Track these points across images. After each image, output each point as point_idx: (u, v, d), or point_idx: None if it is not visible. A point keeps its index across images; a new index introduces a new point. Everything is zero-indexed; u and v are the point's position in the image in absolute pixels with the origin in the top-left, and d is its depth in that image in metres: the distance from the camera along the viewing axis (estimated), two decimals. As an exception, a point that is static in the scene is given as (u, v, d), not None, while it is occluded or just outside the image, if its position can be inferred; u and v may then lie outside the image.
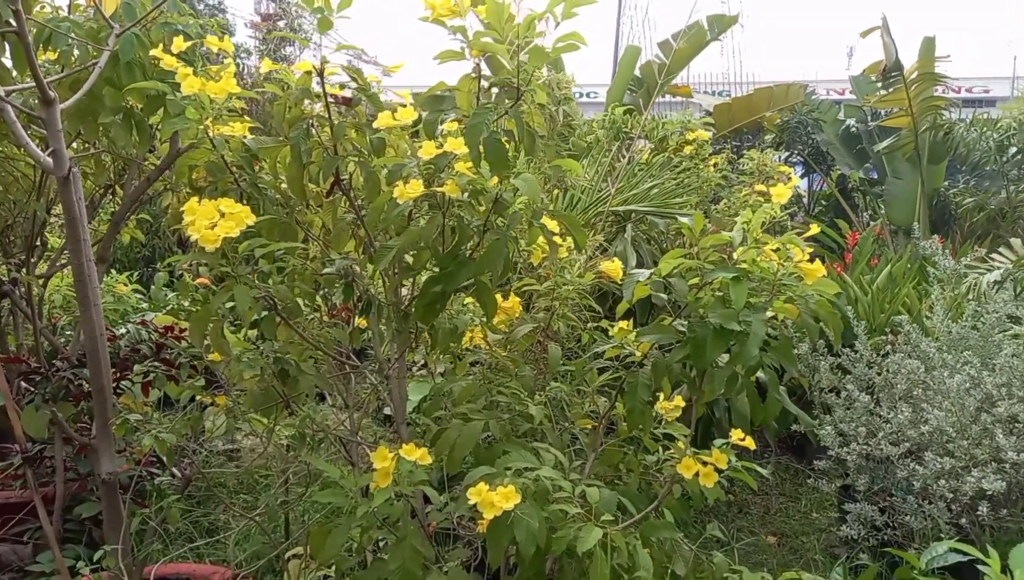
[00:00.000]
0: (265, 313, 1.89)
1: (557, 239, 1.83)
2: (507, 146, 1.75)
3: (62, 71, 2.86)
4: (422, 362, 2.72)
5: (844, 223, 6.16)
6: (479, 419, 2.00)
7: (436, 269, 1.86)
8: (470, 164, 1.65)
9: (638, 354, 2.05)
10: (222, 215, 1.63)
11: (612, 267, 2.37)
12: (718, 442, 2.38)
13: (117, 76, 2.70)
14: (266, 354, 1.92)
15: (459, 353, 2.41)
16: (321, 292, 2.55)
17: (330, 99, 1.95)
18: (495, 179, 1.70)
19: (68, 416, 2.97)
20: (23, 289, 3.68)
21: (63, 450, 2.75)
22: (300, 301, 2.13)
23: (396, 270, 2.00)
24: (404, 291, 2.17)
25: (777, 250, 1.81)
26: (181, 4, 3.06)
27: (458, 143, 1.64)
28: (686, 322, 1.81)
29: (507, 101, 1.84)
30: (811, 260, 1.87)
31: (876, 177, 7.07)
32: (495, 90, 1.91)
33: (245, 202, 1.93)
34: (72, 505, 3.16)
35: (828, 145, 6.92)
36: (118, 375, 3.37)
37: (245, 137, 1.90)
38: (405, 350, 2.04)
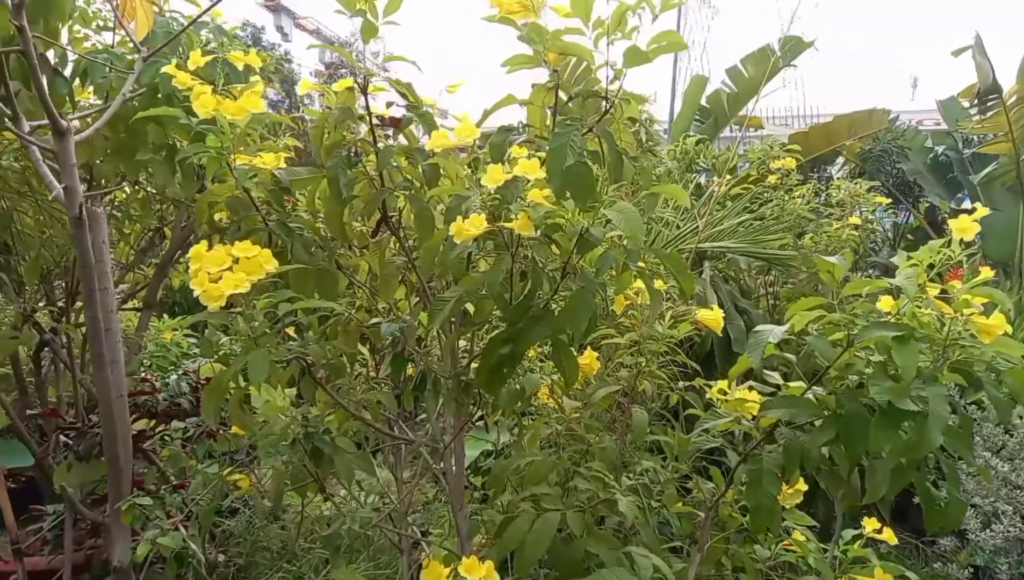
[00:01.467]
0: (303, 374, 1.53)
1: (659, 284, 1.41)
2: (593, 171, 1.37)
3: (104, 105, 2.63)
4: (479, 415, 2.33)
5: (940, 258, 5.53)
6: (554, 509, 1.59)
7: (502, 324, 1.47)
8: (546, 192, 1.26)
9: (748, 424, 1.62)
10: (236, 262, 1.28)
11: (712, 317, 1.94)
12: (848, 532, 1.91)
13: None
14: (297, 427, 1.55)
15: (523, 410, 2.02)
16: (367, 347, 2.20)
17: (376, 121, 1.60)
18: (576, 212, 1.31)
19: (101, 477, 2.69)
20: (64, 338, 3.45)
21: (72, 530, 2.43)
22: (343, 359, 1.78)
23: (454, 325, 1.62)
24: (462, 343, 1.79)
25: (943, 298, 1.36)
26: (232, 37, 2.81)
27: (532, 165, 1.26)
28: (829, 394, 1.37)
29: (586, 116, 1.46)
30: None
31: (970, 209, 6.43)
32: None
33: (275, 246, 1.59)
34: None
35: (915, 174, 6.33)
36: (152, 431, 3.07)
37: (275, 169, 1.57)
38: (463, 427, 1.64)
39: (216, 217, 1.61)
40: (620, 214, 1.20)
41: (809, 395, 1.44)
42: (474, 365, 1.73)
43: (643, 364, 2.01)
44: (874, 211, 4.22)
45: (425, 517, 2.47)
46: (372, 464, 1.61)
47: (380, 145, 1.60)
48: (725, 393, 2.03)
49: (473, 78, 1.85)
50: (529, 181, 1.34)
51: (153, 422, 3.16)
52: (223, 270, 1.26)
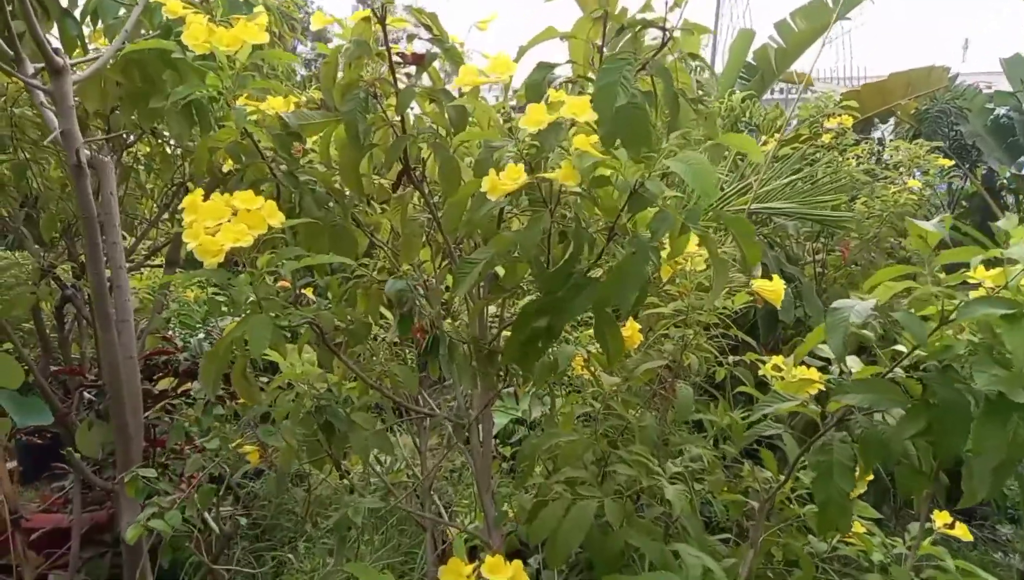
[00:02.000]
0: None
1: (720, 252, 1.20)
2: (648, 114, 1.16)
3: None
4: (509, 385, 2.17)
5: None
6: (591, 496, 1.42)
7: (536, 291, 1.29)
8: (593, 139, 1.07)
9: (814, 409, 1.42)
10: (235, 215, 1.11)
11: (771, 288, 1.73)
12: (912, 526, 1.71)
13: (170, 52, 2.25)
14: (309, 400, 1.39)
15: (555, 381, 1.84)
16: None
17: (396, 59, 1.41)
18: (627, 163, 1.11)
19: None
20: (86, 294, 3.35)
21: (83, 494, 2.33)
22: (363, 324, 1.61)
23: (482, 291, 1.44)
24: (491, 309, 1.62)
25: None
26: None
27: (581, 105, 1.06)
28: (918, 378, 1.17)
29: (639, 52, 1.25)
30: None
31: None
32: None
33: (284, 201, 1.42)
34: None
35: (975, 137, 5.93)
36: (175, 390, 2.98)
37: (283, 113, 1.39)
38: (490, 401, 1.47)
39: (216, 163, 1.44)
40: (687, 166, 1.00)
41: (893, 379, 1.24)
42: (505, 333, 1.56)
43: (690, 336, 1.82)
44: (934, 174, 3.91)
45: (452, 485, 2.33)
46: (389, 442, 1.45)
47: (401, 85, 1.40)
48: (780, 369, 1.84)
49: (507, 14, 1.63)
50: (572, 126, 1.14)
51: (176, 381, 3.07)
52: (221, 223, 1.10)
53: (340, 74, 1.42)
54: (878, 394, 1.21)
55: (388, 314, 2.17)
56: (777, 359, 1.85)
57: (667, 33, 1.20)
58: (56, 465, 3.15)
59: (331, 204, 1.54)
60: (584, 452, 1.58)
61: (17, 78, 1.81)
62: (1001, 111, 6.33)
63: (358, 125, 1.31)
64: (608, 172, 1.07)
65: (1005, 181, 6.27)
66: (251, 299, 1.17)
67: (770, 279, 1.82)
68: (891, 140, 4.57)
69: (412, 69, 1.47)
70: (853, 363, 2.18)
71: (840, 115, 3.66)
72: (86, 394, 3.16)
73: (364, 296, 1.73)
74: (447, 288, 1.88)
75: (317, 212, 1.37)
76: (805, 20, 5.95)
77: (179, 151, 3.50)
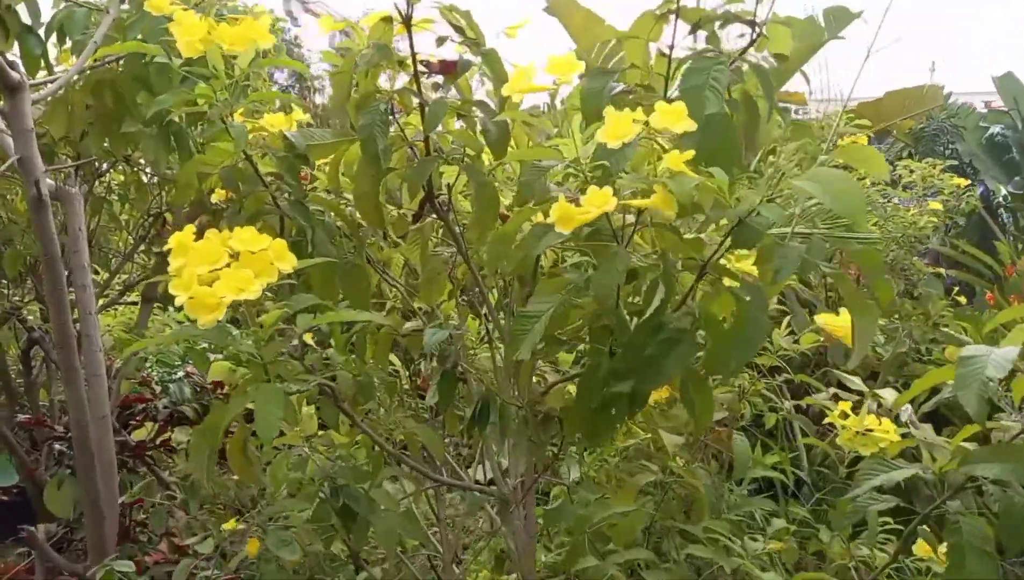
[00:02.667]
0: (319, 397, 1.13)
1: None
2: (735, 125, 0.95)
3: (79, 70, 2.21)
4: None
5: (1004, 246, 5.07)
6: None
7: (596, 345, 1.06)
8: (687, 156, 0.84)
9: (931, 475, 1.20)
10: (234, 258, 0.87)
11: (840, 324, 1.51)
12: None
13: (146, 73, 2.02)
14: (320, 480, 1.14)
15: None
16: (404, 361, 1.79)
17: (421, 68, 1.19)
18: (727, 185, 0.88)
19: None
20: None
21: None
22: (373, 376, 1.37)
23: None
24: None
25: None
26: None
27: (675, 113, 0.83)
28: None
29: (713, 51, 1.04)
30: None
31: (1031, 191, 5.96)
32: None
33: (286, 235, 1.18)
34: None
35: (971, 155, 5.85)
36: (153, 440, 2.70)
37: (288, 132, 1.15)
38: (539, 476, 1.23)
39: (207, 192, 1.19)
40: (822, 185, 0.78)
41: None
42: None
43: (747, 382, 1.60)
44: (949, 194, 3.76)
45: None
46: (420, 526, 1.20)
47: (423, 97, 1.18)
48: (847, 416, 1.63)
49: (539, 20, 1.41)
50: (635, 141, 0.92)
51: (155, 428, 2.79)
52: (218, 269, 0.85)
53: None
54: (1017, 464, 0.99)
55: (396, 362, 1.93)
56: (844, 405, 1.64)
57: (757, 29, 0.99)
58: (22, 527, 2.83)
59: (340, 238, 1.30)
60: (640, 527, 1.34)
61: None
62: (996, 129, 6.26)
63: (377, 144, 1.08)
64: (711, 195, 0.85)
65: (1002, 200, 6.20)
66: (252, 358, 0.92)
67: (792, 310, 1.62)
68: (889, 160, 4.43)
69: (432, 80, 1.24)
70: (888, 395, 1.97)
71: (852, 134, 3.50)
72: (56, 446, 2.86)
73: (372, 342, 1.49)
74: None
75: (331, 249, 1.13)
76: (797, 39, 5.84)
77: (155, 179, 3.24)
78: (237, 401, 0.91)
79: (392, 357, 1.85)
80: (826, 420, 1.70)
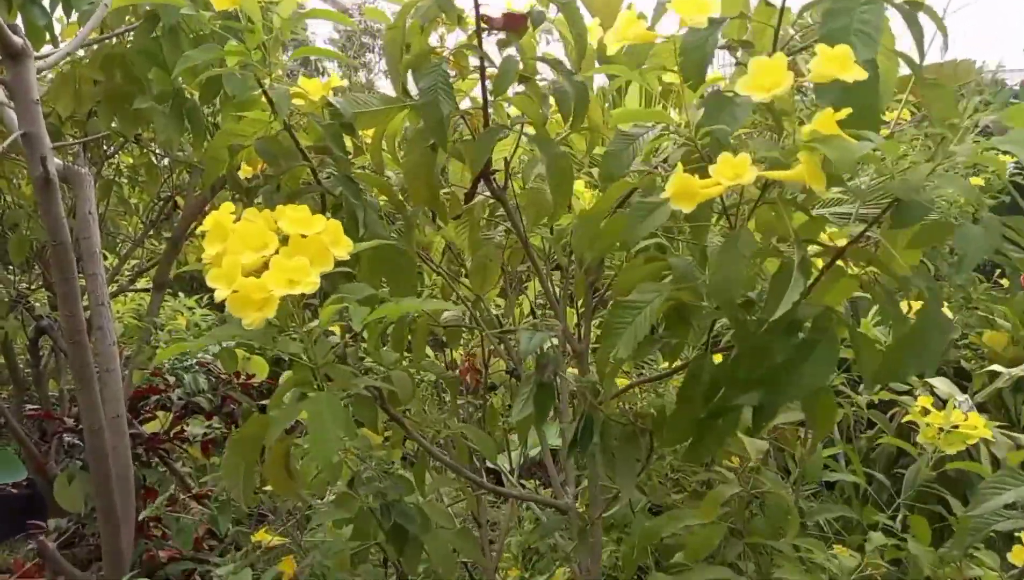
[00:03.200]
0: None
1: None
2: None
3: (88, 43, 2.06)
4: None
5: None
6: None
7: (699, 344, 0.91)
8: (840, 115, 0.69)
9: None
10: (283, 243, 0.71)
11: (998, 341, 1.36)
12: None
13: (158, 47, 1.86)
14: (367, 494, 0.99)
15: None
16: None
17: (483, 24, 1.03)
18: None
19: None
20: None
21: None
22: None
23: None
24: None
25: None
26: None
27: (842, 59, 0.67)
28: None
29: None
30: None
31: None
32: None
33: (329, 214, 1.02)
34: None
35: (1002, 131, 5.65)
36: (167, 433, 2.58)
37: (332, 98, 1.00)
38: (626, 493, 1.07)
39: (239, 167, 1.04)
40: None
41: None
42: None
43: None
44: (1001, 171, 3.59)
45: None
46: (477, 544, 1.06)
47: (486, 56, 1.02)
48: (927, 412, 1.48)
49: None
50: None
51: (169, 420, 2.66)
52: (266, 255, 0.70)
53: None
54: None
55: (431, 354, 1.78)
56: (924, 401, 1.50)
57: (893, -30, 0.83)
58: (32, 523, 2.71)
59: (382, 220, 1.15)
60: (719, 540, 1.19)
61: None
62: (1025, 108, 6.07)
63: (441, 108, 0.92)
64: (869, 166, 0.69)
65: (1029, 181, 6.01)
66: (306, 362, 0.77)
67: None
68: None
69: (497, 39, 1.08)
70: (943, 386, 1.82)
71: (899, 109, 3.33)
72: (66, 439, 2.74)
73: (413, 332, 1.34)
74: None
75: (383, 232, 0.98)
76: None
77: (165, 161, 3.09)
78: (286, 412, 0.76)
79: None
80: (905, 417, 1.56)
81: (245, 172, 1.14)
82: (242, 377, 2.78)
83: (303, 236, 0.71)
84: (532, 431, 1.05)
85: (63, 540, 2.64)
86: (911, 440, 1.54)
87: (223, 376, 2.98)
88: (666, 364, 1.19)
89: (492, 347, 1.63)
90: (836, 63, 0.66)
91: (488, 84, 1.06)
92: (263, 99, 0.99)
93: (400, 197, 1.10)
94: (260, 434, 0.85)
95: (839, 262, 0.81)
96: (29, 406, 3.04)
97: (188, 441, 2.58)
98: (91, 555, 2.47)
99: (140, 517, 1.37)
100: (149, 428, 2.59)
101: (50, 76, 2.16)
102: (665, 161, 1.01)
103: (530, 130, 1.09)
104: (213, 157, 1.02)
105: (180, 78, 2.09)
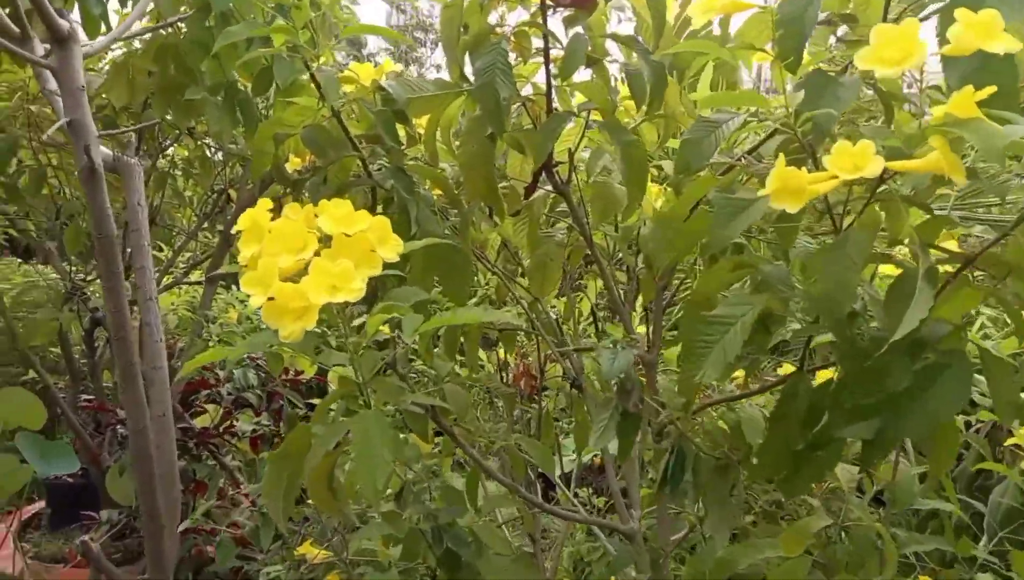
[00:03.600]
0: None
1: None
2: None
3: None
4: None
5: None
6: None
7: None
8: (983, 94, 0.57)
9: None
10: (324, 242, 0.63)
11: None
12: None
13: (210, 37, 1.82)
14: (414, 516, 0.91)
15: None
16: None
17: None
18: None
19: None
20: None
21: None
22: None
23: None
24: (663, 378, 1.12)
25: None
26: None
27: (987, 23, 0.56)
28: None
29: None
30: None
31: None
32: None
33: (378, 210, 0.95)
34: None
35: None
36: (217, 428, 2.57)
37: (384, 82, 0.92)
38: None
39: (284, 158, 0.97)
40: None
41: None
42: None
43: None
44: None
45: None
46: (539, 574, 0.97)
47: (551, 36, 0.92)
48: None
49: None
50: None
51: (219, 414, 2.66)
52: (305, 257, 0.62)
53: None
54: None
55: (483, 356, 1.70)
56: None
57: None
58: (85, 514, 2.73)
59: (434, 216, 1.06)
60: (803, 575, 1.07)
61: (16, 56, 1.37)
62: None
63: (499, 91, 0.83)
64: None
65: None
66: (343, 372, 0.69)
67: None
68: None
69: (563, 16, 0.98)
70: None
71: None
72: (120, 430, 2.75)
73: (467, 337, 1.26)
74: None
75: (438, 229, 0.90)
76: None
77: (219, 155, 3.08)
78: (330, 431, 0.68)
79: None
80: (1009, 440, 1.41)
81: (294, 164, 1.07)
82: (290, 373, 2.76)
83: (346, 235, 0.63)
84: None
85: (115, 532, 2.66)
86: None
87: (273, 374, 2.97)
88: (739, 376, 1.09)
89: (549, 351, 1.54)
90: (980, 30, 0.55)
91: (552, 68, 0.97)
92: (311, 85, 0.92)
93: (455, 191, 1.01)
94: (303, 450, 0.77)
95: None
96: (84, 396, 3.08)
97: (238, 436, 2.58)
98: (142, 547, 2.48)
99: (185, 525, 1.32)
100: (199, 422, 2.59)
101: (107, 69, 2.15)
102: (751, 153, 0.90)
103: (597, 118, 1.00)
104: (258, 148, 0.95)
105: (234, 71, 2.06)
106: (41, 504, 3.16)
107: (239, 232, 0.66)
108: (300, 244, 0.63)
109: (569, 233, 1.15)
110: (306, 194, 0.92)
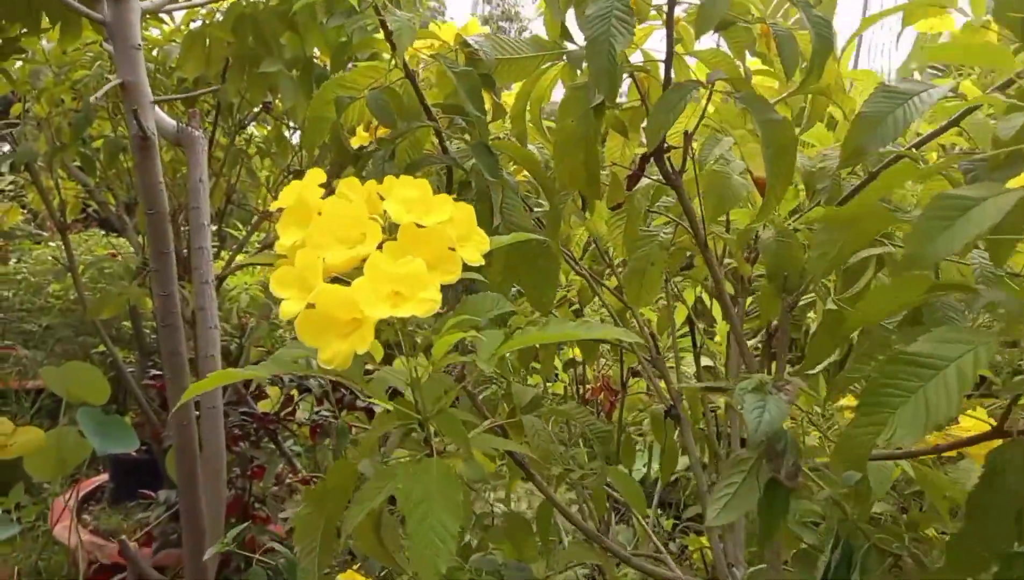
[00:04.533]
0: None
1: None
2: None
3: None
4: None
5: None
6: None
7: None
8: None
9: None
10: (388, 233, 0.47)
11: None
12: None
13: (290, 8, 1.73)
14: (479, 559, 0.74)
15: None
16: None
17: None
18: None
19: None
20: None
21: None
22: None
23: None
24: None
25: None
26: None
27: None
28: None
29: None
30: None
31: None
32: None
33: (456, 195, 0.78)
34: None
35: None
36: (277, 415, 2.50)
37: (471, 38, 0.75)
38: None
39: (350, 129, 0.81)
40: None
41: None
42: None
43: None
44: None
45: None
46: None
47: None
48: None
49: None
50: None
51: (281, 399, 2.59)
52: (363, 253, 0.45)
53: None
54: None
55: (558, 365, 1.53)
56: None
57: None
58: (143, 492, 2.69)
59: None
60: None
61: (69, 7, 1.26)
62: None
63: (614, 45, 0.64)
64: None
65: None
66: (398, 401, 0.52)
67: None
68: None
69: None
70: None
71: None
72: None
73: (546, 353, 1.09)
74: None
75: (528, 221, 0.72)
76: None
77: (297, 138, 3.00)
78: (374, 488, 0.51)
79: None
80: None
81: (361, 139, 0.91)
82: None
83: (419, 226, 0.46)
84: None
85: (171, 512, 2.60)
86: None
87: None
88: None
89: (636, 365, 1.36)
90: None
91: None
92: (383, 43, 0.75)
93: (547, 178, 0.83)
94: (347, 486, 0.62)
95: None
96: (153, 371, 3.06)
97: (297, 423, 2.52)
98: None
99: (214, 551, 1.19)
100: (261, 407, 2.53)
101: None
102: (926, 140, 0.69)
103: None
104: (316, 114, 0.79)
105: (313, 45, 1.93)
106: (104, 477, 3.16)
107: (279, 210, 0.50)
108: (358, 233, 0.47)
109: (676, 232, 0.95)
110: (367, 172, 0.76)
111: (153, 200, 1.13)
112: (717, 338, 1.42)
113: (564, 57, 0.79)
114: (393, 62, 0.75)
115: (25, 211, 3.97)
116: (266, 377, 0.86)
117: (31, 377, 3.78)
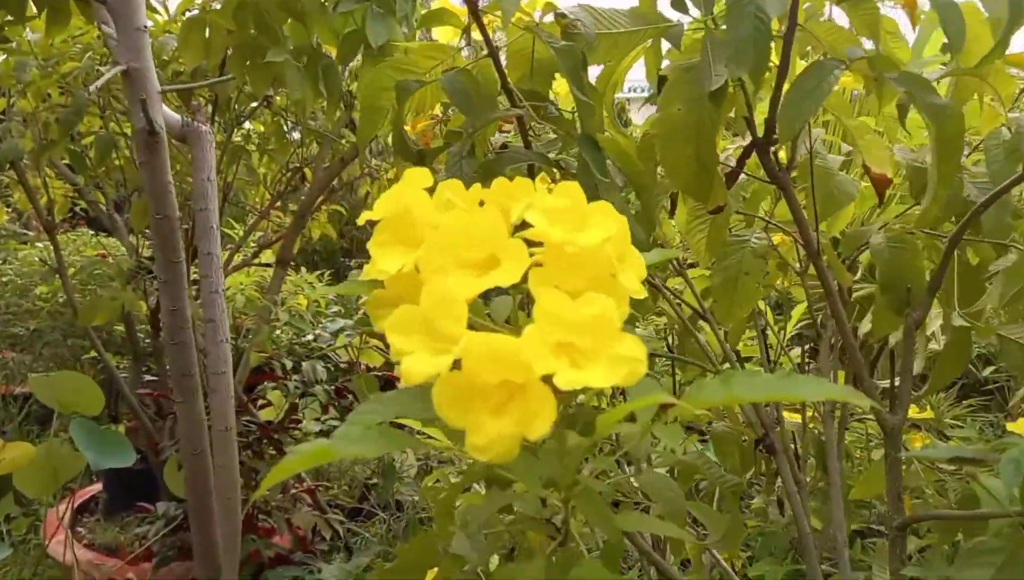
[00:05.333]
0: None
1: None
2: None
3: None
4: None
5: None
6: None
7: None
8: None
9: None
10: (541, 248, 0.33)
11: None
12: None
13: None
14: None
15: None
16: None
17: None
18: None
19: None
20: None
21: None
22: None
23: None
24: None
25: None
26: None
27: None
28: None
29: None
30: None
31: None
32: None
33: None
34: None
35: None
36: (285, 423, 2.38)
37: (568, 9, 0.61)
38: None
39: (411, 118, 0.67)
40: None
41: None
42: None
43: None
44: None
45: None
46: None
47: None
48: None
49: None
50: None
51: (285, 407, 2.46)
52: (493, 280, 0.32)
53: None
54: None
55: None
56: None
57: None
58: (140, 505, 2.55)
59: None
60: None
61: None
62: None
63: (757, 25, 0.51)
64: None
65: None
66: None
67: None
68: None
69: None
70: None
71: None
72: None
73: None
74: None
75: (639, 231, 0.59)
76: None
77: (296, 134, 2.84)
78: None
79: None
80: None
81: (421, 125, 0.77)
82: (361, 367, 2.57)
83: (584, 250, 0.32)
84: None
85: (172, 526, 2.46)
86: None
87: (342, 365, 2.74)
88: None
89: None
90: None
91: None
92: (453, 16, 0.61)
93: (654, 176, 0.70)
94: (425, 561, 0.48)
95: None
96: (148, 377, 2.91)
97: (302, 431, 2.41)
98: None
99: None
100: (264, 415, 2.41)
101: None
102: None
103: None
104: (369, 104, 0.65)
105: (319, 36, 1.79)
106: (98, 487, 3.01)
107: (373, 224, 0.36)
108: (485, 254, 0.33)
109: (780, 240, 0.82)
110: (440, 172, 0.62)
111: (161, 202, 0.98)
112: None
113: (665, 35, 0.65)
114: (462, 42, 0.61)
115: (10, 210, 3.79)
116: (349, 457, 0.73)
117: (19, 382, 3.60)
